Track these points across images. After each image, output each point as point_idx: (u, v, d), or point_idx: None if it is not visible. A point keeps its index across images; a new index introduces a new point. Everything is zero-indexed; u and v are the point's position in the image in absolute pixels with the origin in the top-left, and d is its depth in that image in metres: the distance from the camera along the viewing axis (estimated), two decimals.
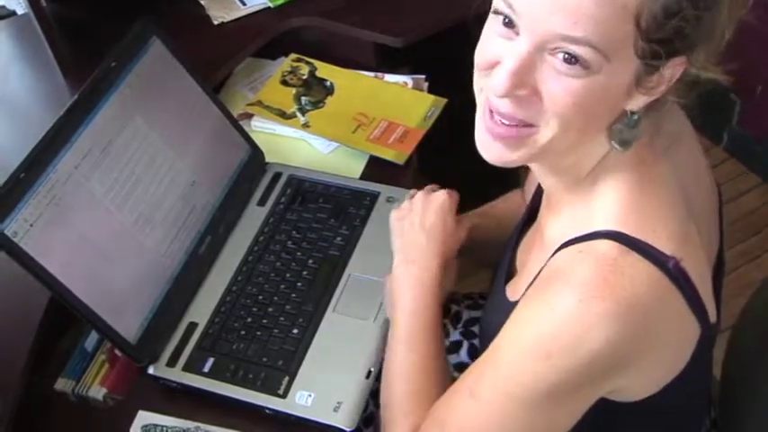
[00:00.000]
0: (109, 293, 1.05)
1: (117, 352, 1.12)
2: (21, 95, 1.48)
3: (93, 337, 1.15)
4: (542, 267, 0.84)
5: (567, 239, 0.81)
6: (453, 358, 1.21)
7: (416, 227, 1.07)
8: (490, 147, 0.80)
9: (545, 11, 0.70)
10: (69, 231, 1.02)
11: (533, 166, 0.90)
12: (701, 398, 0.99)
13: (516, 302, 0.86)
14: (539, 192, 0.99)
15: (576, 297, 0.75)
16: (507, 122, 0.78)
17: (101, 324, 1.04)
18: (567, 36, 0.70)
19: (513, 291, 0.94)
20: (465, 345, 1.21)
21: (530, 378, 0.79)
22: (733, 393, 1.06)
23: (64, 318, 1.10)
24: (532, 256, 0.92)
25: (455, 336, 1.22)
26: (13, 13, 1.63)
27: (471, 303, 1.26)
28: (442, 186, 1.16)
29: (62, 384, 1.11)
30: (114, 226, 1.08)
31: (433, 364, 0.98)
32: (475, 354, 1.20)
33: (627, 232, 0.77)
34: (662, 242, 0.77)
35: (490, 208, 1.22)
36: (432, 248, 1.03)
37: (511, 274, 0.98)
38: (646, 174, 0.80)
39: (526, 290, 0.86)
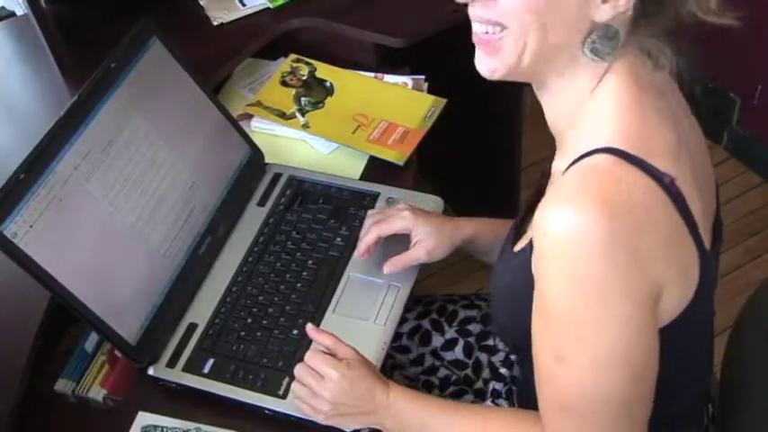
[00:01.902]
0: (109, 294, 1.05)
1: (117, 353, 1.12)
2: (20, 96, 1.48)
3: (92, 338, 1.15)
4: None
5: (566, 167, 0.84)
6: (449, 355, 1.21)
7: (347, 401, 1.02)
8: (479, 59, 0.87)
9: None
10: (69, 232, 1.02)
11: (541, 102, 0.92)
12: (703, 346, 0.99)
13: (522, 248, 0.89)
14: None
15: (564, 208, 0.78)
16: (483, 30, 0.84)
17: (101, 325, 1.04)
18: None
19: (520, 245, 0.94)
20: (460, 342, 1.22)
21: (584, 299, 0.79)
22: (733, 393, 1.06)
23: (64, 319, 1.10)
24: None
25: (451, 334, 1.23)
26: (13, 14, 1.63)
27: (467, 303, 1.26)
28: (443, 186, 1.16)
29: (62, 385, 1.11)
30: (114, 227, 1.08)
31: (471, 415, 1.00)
32: (470, 351, 1.21)
33: (623, 148, 0.79)
34: (657, 160, 0.79)
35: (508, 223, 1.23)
36: (363, 390, 1.00)
37: (520, 235, 0.97)
38: (642, 95, 0.83)
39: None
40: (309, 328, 1.06)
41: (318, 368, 1.01)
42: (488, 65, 0.86)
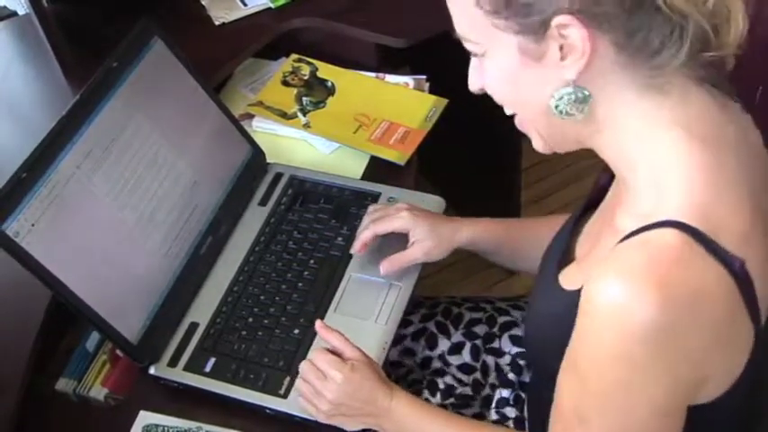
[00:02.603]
0: (110, 293, 1.05)
1: (118, 352, 1.12)
2: (22, 95, 1.48)
3: (94, 337, 1.15)
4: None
5: (633, 229, 0.77)
6: (456, 359, 1.21)
7: (349, 403, 1.02)
8: None
9: None
10: (71, 231, 1.02)
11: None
12: (755, 401, 0.94)
13: (571, 291, 0.84)
14: (600, 183, 0.97)
15: (625, 283, 0.73)
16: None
17: (102, 324, 1.04)
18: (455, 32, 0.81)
19: (568, 279, 0.90)
20: (467, 345, 1.21)
21: (620, 375, 0.76)
22: None
23: (65, 318, 1.11)
24: (600, 245, 0.87)
25: (457, 337, 1.22)
26: (15, 14, 1.63)
27: (472, 306, 1.26)
28: (444, 186, 1.16)
29: (63, 384, 1.11)
30: (116, 226, 1.08)
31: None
32: (477, 354, 1.20)
33: (694, 224, 0.73)
34: (727, 240, 0.73)
35: (512, 223, 1.22)
36: (366, 393, 1.00)
37: (566, 261, 0.94)
38: (714, 165, 0.76)
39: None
40: (319, 324, 1.06)
41: (323, 368, 1.01)
42: (534, 146, 0.87)
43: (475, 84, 0.84)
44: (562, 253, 0.95)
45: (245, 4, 1.57)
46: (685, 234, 0.73)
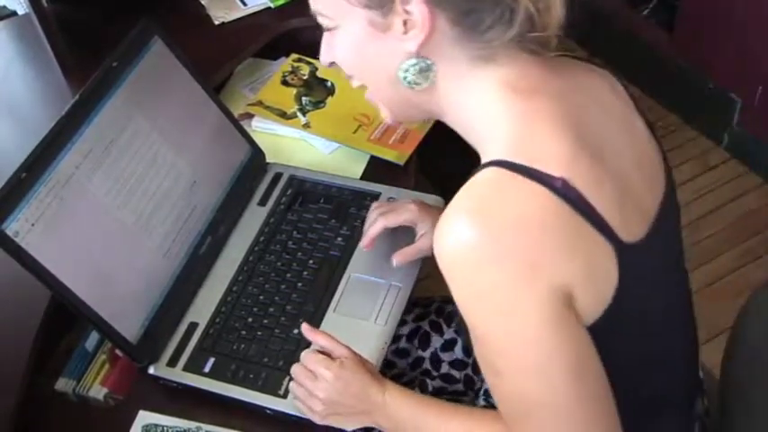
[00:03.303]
0: (110, 293, 1.06)
1: (118, 352, 1.12)
2: (22, 95, 1.48)
3: (93, 337, 1.16)
4: None
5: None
6: (449, 356, 1.21)
7: (341, 400, 1.02)
8: None
9: None
10: (70, 231, 1.02)
11: None
12: (642, 346, 0.95)
13: None
14: None
15: (465, 219, 0.78)
16: None
17: (101, 324, 1.04)
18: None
19: None
20: (459, 342, 1.22)
21: (486, 306, 0.80)
22: (733, 393, 1.06)
23: (65, 318, 1.10)
24: None
25: (449, 334, 1.23)
26: (14, 14, 1.63)
27: None
28: (443, 186, 1.16)
29: (63, 384, 1.11)
30: (115, 226, 1.08)
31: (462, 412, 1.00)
32: (469, 349, 1.21)
33: (508, 158, 0.80)
34: (547, 165, 0.79)
35: None
36: (357, 389, 1.00)
37: None
38: (526, 106, 0.83)
39: None
40: (305, 328, 1.06)
41: (313, 368, 1.01)
42: (382, 117, 0.95)
43: (326, 58, 0.90)
44: None
45: (244, 4, 1.57)
46: (502, 168, 0.80)
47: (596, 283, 0.82)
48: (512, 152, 0.80)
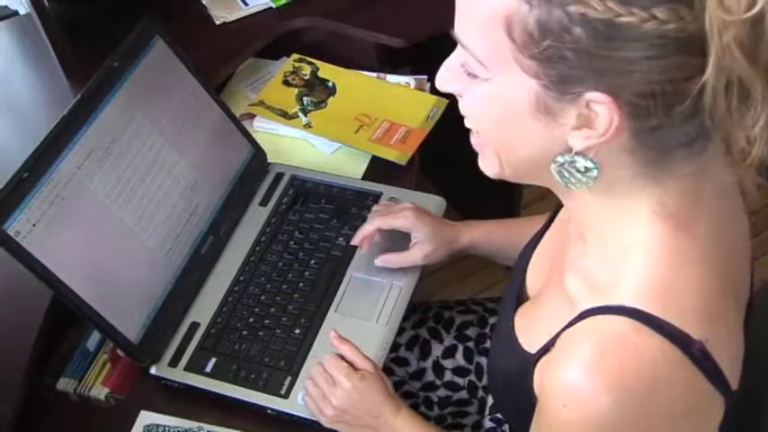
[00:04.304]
0: (111, 293, 1.05)
1: (119, 352, 1.12)
2: (23, 95, 1.48)
3: (95, 337, 1.15)
4: (561, 330, 0.77)
5: (589, 306, 0.74)
6: (450, 363, 1.21)
7: (353, 411, 1.02)
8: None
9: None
10: (72, 231, 1.02)
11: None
12: None
13: (526, 353, 0.83)
14: (556, 212, 0.96)
15: (578, 375, 0.70)
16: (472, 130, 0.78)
17: (103, 324, 1.04)
18: (455, 35, 0.70)
19: (523, 324, 0.89)
20: (460, 348, 1.22)
21: None
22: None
23: (66, 317, 1.11)
24: (550, 295, 0.86)
25: (449, 340, 1.22)
26: (16, 13, 1.63)
27: (463, 309, 1.26)
28: (445, 186, 1.16)
29: (64, 384, 1.11)
30: (116, 226, 1.08)
31: None
32: (470, 356, 1.21)
33: (648, 310, 0.69)
34: (687, 323, 0.70)
35: (511, 223, 1.21)
36: (370, 405, 1.01)
37: (521, 298, 0.94)
38: (683, 245, 0.72)
39: (543, 348, 0.81)
40: (333, 335, 1.07)
41: (333, 373, 1.02)
42: (481, 164, 0.79)
43: (447, 87, 0.75)
44: (520, 284, 0.95)
45: (246, 4, 1.57)
46: (638, 322, 0.69)
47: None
48: (649, 298, 0.70)
